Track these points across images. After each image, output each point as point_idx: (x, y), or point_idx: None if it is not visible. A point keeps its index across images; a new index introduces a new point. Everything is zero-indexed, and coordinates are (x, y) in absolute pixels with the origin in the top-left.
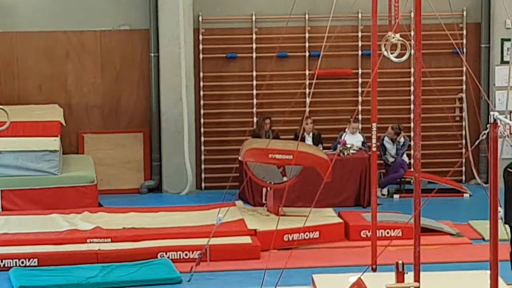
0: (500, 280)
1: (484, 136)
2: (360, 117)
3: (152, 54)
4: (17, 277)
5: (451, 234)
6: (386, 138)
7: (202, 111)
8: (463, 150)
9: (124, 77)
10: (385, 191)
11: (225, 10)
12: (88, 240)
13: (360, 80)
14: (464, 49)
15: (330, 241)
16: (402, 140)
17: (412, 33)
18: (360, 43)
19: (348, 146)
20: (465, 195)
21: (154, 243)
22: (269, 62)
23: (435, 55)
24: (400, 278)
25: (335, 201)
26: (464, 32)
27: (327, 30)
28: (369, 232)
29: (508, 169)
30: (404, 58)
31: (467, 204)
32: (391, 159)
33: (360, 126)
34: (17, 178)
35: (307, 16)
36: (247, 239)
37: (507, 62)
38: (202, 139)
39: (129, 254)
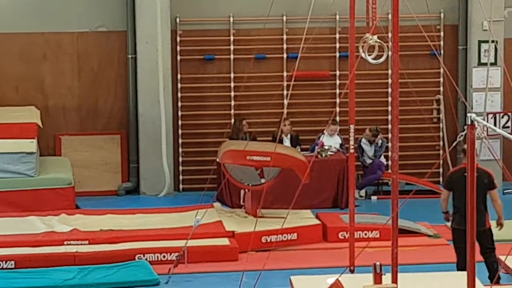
0: (477, 281)
1: (462, 138)
2: (338, 118)
3: (130, 56)
4: None
5: (429, 236)
6: (363, 140)
7: (179, 113)
8: (441, 152)
9: (101, 78)
10: (362, 192)
11: (202, 12)
12: (65, 242)
13: (338, 82)
14: (442, 51)
15: (308, 243)
16: (379, 141)
17: (390, 34)
18: (337, 45)
19: (326, 148)
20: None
21: (131, 245)
22: (247, 63)
23: (413, 57)
24: (377, 279)
25: (313, 203)
26: (442, 34)
27: (305, 32)
28: (347, 233)
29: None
30: (382, 59)
31: None
32: (368, 161)
33: (338, 128)
34: None
35: (284, 18)
36: (225, 241)
37: (485, 64)
38: (180, 141)
39: (106, 256)
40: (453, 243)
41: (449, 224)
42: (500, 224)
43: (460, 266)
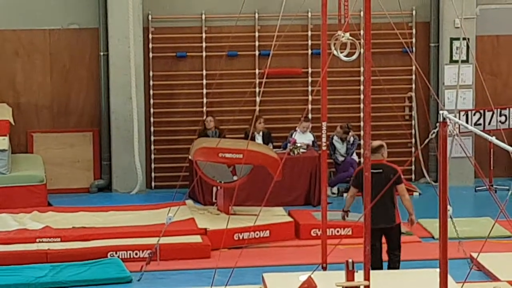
0: (449, 278)
1: (434, 135)
2: (310, 116)
3: (102, 53)
4: None
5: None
6: (335, 137)
7: (152, 110)
8: (413, 149)
9: (73, 76)
10: (335, 189)
11: (174, 9)
12: (37, 240)
13: (310, 79)
14: (414, 48)
15: (280, 240)
16: (351, 139)
17: (362, 32)
18: (310, 42)
19: (298, 145)
20: (414, 193)
21: (104, 242)
22: (219, 61)
23: (385, 54)
24: (350, 276)
25: (285, 200)
26: (414, 31)
27: (277, 29)
28: (319, 231)
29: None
30: (354, 57)
31: (417, 202)
32: (340, 158)
33: (310, 125)
34: None
35: (256, 15)
36: (197, 238)
37: (456, 61)
38: (152, 138)
39: (78, 253)
40: None
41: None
42: (411, 221)
43: (374, 265)
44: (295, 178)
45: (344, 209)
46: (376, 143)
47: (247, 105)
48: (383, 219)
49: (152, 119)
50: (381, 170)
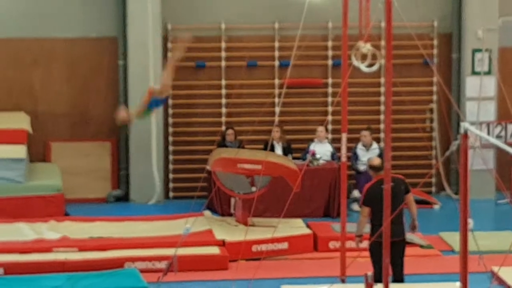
0: None
1: (455, 147)
2: (330, 127)
3: (121, 62)
4: None
5: (421, 246)
6: (359, 145)
7: (170, 120)
8: (434, 161)
9: (91, 85)
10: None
11: (194, 18)
12: (54, 250)
13: (330, 90)
14: (435, 60)
15: (298, 252)
16: (375, 145)
17: (383, 43)
18: (330, 53)
19: (318, 156)
20: (435, 206)
21: (121, 252)
22: (239, 71)
23: (406, 65)
24: None
25: (304, 212)
26: (435, 42)
27: (297, 39)
28: (337, 243)
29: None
30: (375, 68)
31: (437, 215)
32: (362, 167)
33: (324, 131)
34: None
35: (276, 25)
36: (215, 250)
37: (478, 73)
38: (170, 148)
39: (95, 263)
40: (374, 260)
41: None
42: (414, 226)
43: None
44: (315, 190)
45: (356, 234)
46: (378, 160)
47: (266, 116)
48: (395, 232)
49: (170, 129)
50: (393, 183)
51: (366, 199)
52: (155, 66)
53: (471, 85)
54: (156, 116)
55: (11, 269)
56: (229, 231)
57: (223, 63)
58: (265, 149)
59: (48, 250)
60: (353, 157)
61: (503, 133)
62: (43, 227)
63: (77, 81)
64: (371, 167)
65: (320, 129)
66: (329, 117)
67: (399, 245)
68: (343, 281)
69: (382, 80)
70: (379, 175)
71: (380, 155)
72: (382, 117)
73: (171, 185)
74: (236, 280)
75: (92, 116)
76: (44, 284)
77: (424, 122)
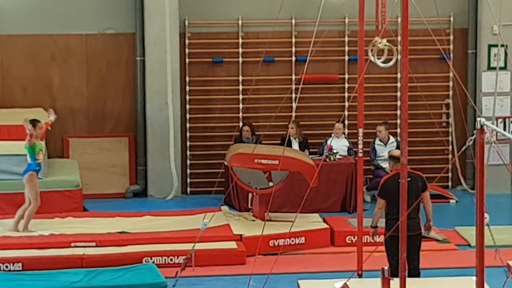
0: (486, 286)
1: (471, 142)
2: (346, 122)
3: (138, 58)
4: (1, 282)
5: (437, 240)
6: (377, 141)
7: (188, 116)
8: (450, 156)
9: (109, 81)
10: (368, 198)
11: (211, 15)
12: (72, 245)
13: (346, 85)
14: (451, 55)
15: (315, 247)
16: (392, 139)
17: (399, 38)
18: (346, 48)
19: (335, 151)
20: (451, 201)
21: (139, 248)
22: (255, 66)
23: (422, 61)
24: (385, 284)
25: (321, 207)
26: (451, 37)
27: (314, 35)
28: (354, 237)
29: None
30: (391, 63)
31: (454, 210)
32: (382, 163)
33: (342, 128)
34: (1, 182)
35: (293, 21)
36: (232, 244)
37: (494, 68)
38: (188, 143)
39: (114, 258)
40: (389, 254)
41: (375, 239)
42: (429, 227)
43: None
44: (331, 185)
45: (372, 225)
46: (398, 152)
47: (283, 111)
48: (410, 227)
49: (188, 125)
50: (409, 178)
51: (382, 191)
52: (172, 62)
53: (487, 81)
54: (173, 112)
55: (29, 264)
56: (246, 226)
57: (240, 59)
58: (282, 144)
59: (66, 245)
60: (372, 152)
61: None
62: (61, 222)
63: (94, 77)
64: (391, 157)
65: (339, 125)
66: (346, 112)
67: (415, 240)
68: (359, 276)
69: (399, 75)
70: (397, 168)
71: (398, 148)
72: (398, 112)
73: (188, 180)
74: (253, 275)
75: (110, 112)
76: (63, 279)
77: (440, 117)
